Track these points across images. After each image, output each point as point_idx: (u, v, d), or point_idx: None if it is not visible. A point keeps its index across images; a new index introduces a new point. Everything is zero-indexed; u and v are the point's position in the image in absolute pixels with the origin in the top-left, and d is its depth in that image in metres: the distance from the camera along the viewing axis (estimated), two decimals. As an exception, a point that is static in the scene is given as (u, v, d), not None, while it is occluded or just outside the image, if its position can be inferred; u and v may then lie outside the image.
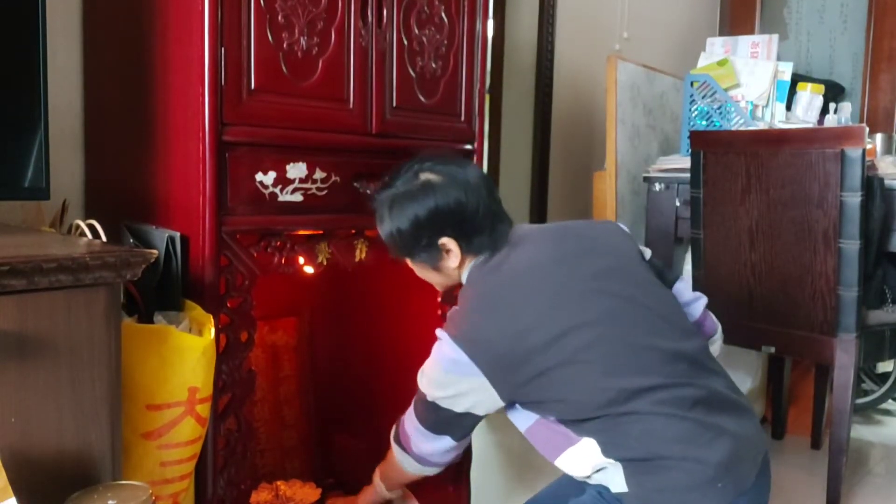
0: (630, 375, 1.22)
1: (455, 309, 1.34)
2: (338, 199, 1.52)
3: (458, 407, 1.30)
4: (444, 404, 1.31)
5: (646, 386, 1.21)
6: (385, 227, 1.40)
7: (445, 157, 1.40)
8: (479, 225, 1.35)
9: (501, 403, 1.29)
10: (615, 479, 1.25)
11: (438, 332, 1.31)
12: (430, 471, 1.44)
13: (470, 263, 1.39)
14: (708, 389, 1.25)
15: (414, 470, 1.44)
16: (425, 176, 1.36)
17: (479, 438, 2.13)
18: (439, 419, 1.34)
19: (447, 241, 1.36)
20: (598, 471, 1.27)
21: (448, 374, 1.28)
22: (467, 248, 1.37)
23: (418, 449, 1.40)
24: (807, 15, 3.72)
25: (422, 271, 1.46)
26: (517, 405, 1.31)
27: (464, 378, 1.26)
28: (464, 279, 1.39)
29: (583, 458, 1.27)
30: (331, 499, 1.79)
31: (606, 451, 1.24)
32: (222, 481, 1.42)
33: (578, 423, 1.26)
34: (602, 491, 1.30)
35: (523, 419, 1.32)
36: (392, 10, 1.57)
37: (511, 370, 1.24)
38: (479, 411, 1.31)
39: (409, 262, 1.45)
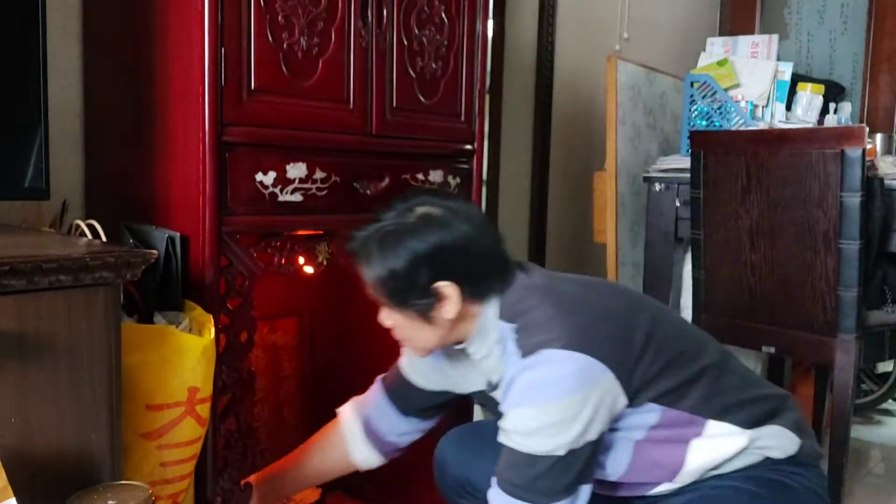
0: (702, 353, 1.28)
1: (528, 326, 1.16)
2: (338, 200, 1.52)
3: (596, 430, 1.12)
4: (581, 442, 1.11)
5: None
6: (374, 269, 1.17)
7: (443, 191, 1.24)
8: (485, 267, 1.19)
9: (626, 401, 1.16)
10: (773, 441, 1.24)
11: (530, 360, 1.12)
12: None
13: (489, 305, 1.21)
14: None
15: None
16: (424, 209, 1.18)
17: None
18: (579, 466, 1.12)
19: (446, 286, 1.16)
20: (744, 449, 1.22)
21: (577, 393, 1.09)
22: (472, 294, 1.18)
23: None
24: (807, 15, 3.72)
25: (410, 327, 1.22)
26: (637, 406, 1.18)
27: (595, 385, 1.11)
28: (489, 320, 1.21)
29: (717, 443, 1.21)
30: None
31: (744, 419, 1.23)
32: (222, 481, 1.42)
33: (719, 395, 1.23)
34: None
35: (637, 428, 1.20)
36: (392, 10, 1.57)
37: (628, 347, 1.16)
38: (606, 425, 1.15)
39: (393, 315, 1.22)
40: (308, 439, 1.55)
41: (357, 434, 1.48)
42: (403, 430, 1.48)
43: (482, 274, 1.19)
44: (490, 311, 1.21)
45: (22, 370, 0.97)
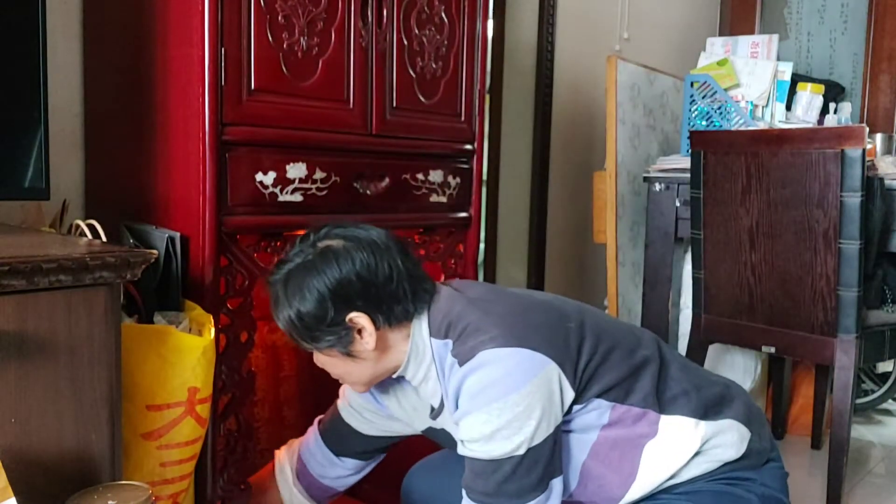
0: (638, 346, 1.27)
1: (460, 335, 1.15)
2: (338, 200, 1.52)
3: (551, 422, 1.11)
4: (539, 437, 1.09)
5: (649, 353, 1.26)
6: (282, 312, 1.16)
7: (346, 222, 1.22)
8: (394, 291, 1.15)
9: (573, 394, 1.14)
10: (726, 439, 1.22)
11: (469, 366, 1.11)
12: None
13: (416, 325, 1.19)
14: None
15: None
16: (324, 243, 1.16)
17: None
18: (544, 462, 1.11)
19: (357, 317, 1.14)
20: (698, 453, 1.20)
21: (522, 388, 1.08)
22: (387, 321, 1.16)
23: None
24: (807, 15, 3.72)
25: (338, 365, 1.21)
26: (584, 403, 1.17)
27: (539, 377, 1.09)
28: (420, 340, 1.19)
29: (672, 444, 1.18)
30: None
31: (699, 409, 1.22)
32: (222, 481, 1.42)
33: (664, 385, 1.22)
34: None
35: (589, 428, 1.18)
36: (392, 10, 1.58)
37: (565, 337, 1.16)
38: (559, 417, 1.13)
39: (316, 355, 1.23)
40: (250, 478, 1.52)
41: (288, 480, 1.45)
42: (339, 473, 1.44)
43: (392, 298, 1.16)
44: (419, 331, 1.20)
45: (22, 370, 0.97)
